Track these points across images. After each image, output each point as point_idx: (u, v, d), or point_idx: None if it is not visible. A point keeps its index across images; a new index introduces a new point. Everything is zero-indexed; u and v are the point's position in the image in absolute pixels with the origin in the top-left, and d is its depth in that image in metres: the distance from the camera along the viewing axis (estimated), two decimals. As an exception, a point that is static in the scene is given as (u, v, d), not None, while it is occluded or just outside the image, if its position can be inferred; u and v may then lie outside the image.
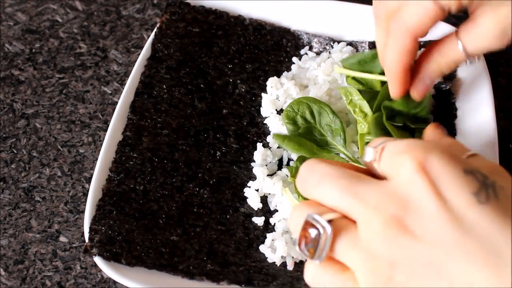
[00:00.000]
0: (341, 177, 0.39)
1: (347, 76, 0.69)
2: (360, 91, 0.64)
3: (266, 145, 0.67)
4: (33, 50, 0.81)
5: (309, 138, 0.65)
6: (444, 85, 0.69)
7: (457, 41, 0.53)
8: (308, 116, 0.65)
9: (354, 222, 0.38)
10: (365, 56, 0.68)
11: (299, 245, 0.40)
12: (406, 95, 0.59)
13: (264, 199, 0.63)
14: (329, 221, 0.38)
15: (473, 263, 0.33)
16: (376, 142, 0.41)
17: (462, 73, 0.70)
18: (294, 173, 0.60)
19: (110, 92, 0.77)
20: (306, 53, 0.74)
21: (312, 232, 0.39)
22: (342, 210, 0.39)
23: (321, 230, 0.38)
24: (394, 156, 0.38)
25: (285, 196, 0.61)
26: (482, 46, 0.52)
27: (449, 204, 0.35)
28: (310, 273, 0.40)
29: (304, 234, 0.39)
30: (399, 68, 0.56)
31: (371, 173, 0.40)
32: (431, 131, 0.47)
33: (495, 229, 0.34)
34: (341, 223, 0.38)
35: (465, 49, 0.52)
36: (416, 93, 0.59)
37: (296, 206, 0.42)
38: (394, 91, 0.59)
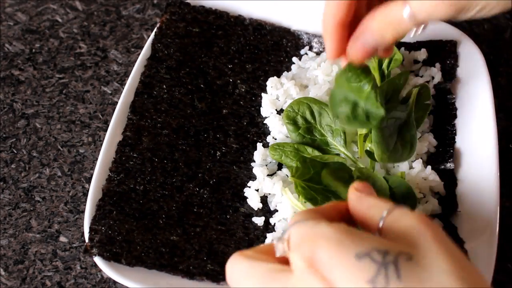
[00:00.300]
0: (254, 276, 0.39)
1: None
2: None
3: (266, 145, 0.67)
4: (33, 50, 0.81)
5: (309, 138, 0.65)
6: (444, 85, 0.69)
7: (402, 4, 0.49)
8: (308, 116, 0.65)
9: None
10: None
11: None
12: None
13: (264, 199, 0.63)
14: None
15: None
16: (284, 233, 0.40)
17: (462, 73, 0.70)
18: (294, 173, 0.60)
19: (110, 92, 0.77)
20: (306, 53, 0.74)
21: None
22: None
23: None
24: (291, 252, 0.37)
25: (285, 196, 0.61)
26: (429, 13, 0.48)
27: None
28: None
29: None
30: (332, 21, 0.53)
31: None
32: (352, 194, 0.43)
33: None
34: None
35: (413, 13, 0.48)
36: (351, 52, 0.54)
37: None
38: (328, 48, 0.56)
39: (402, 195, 0.59)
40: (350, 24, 0.54)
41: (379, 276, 0.31)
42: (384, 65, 0.67)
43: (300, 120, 0.65)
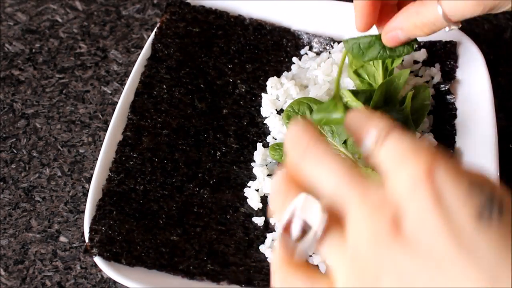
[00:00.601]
0: (343, 164, 0.34)
1: (349, 70, 0.68)
2: (355, 92, 0.64)
3: (266, 145, 0.67)
4: (33, 50, 0.81)
5: None
6: (443, 85, 0.69)
7: (436, 3, 0.53)
8: (308, 116, 0.65)
9: (338, 216, 0.34)
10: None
11: (284, 232, 0.34)
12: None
13: (264, 199, 0.63)
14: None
15: (466, 282, 0.31)
16: (378, 124, 0.35)
17: (462, 73, 0.70)
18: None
19: (110, 92, 0.77)
20: (306, 53, 0.74)
21: (298, 222, 0.34)
22: (333, 201, 0.34)
23: (313, 222, 0.33)
24: (399, 154, 0.34)
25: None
26: (459, 10, 0.52)
27: (451, 218, 0.32)
28: (281, 278, 0.35)
29: (289, 221, 0.34)
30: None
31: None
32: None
33: (495, 252, 0.31)
34: (330, 216, 0.34)
35: (444, 12, 0.53)
36: (385, 39, 0.59)
37: (281, 182, 0.36)
38: (358, 21, 0.60)
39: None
40: None
41: (485, 209, 0.32)
42: (388, 61, 0.66)
43: (300, 120, 0.65)
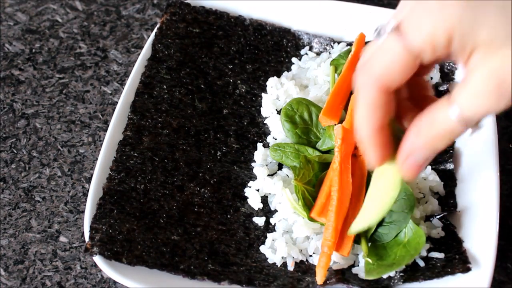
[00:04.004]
0: None
1: None
2: None
3: (266, 145, 0.67)
4: (33, 50, 0.81)
5: (305, 139, 0.65)
6: (442, 86, 0.69)
7: (448, 104, 0.43)
8: (306, 117, 0.65)
9: None
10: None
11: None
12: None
13: (264, 199, 0.63)
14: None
15: None
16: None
17: (461, 74, 0.70)
18: (297, 174, 0.60)
19: (110, 92, 0.77)
20: (306, 53, 0.74)
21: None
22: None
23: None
24: None
25: (285, 196, 0.61)
26: (478, 108, 0.41)
27: None
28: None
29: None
30: (370, 127, 0.46)
31: None
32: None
33: None
34: None
35: (462, 113, 0.42)
36: (404, 169, 0.47)
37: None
38: (369, 156, 0.48)
39: (400, 196, 0.59)
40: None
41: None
42: None
43: (298, 120, 0.65)
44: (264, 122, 0.69)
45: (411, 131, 0.46)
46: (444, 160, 0.64)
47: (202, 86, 0.71)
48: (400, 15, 0.43)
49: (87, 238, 0.58)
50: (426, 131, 0.44)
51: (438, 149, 0.45)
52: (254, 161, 0.66)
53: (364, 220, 0.54)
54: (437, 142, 0.44)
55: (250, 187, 0.64)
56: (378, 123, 0.46)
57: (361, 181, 0.60)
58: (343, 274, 0.57)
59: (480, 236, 0.58)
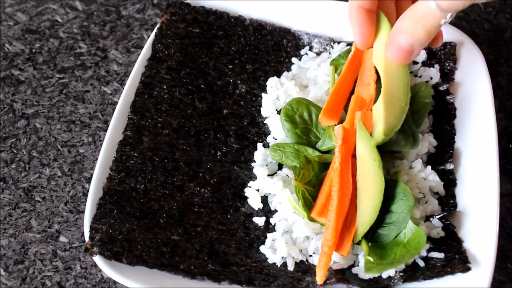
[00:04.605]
0: None
1: None
2: None
3: (266, 145, 0.67)
4: (33, 50, 0.81)
5: (305, 139, 0.65)
6: (442, 86, 0.69)
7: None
8: (306, 117, 0.65)
9: None
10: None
11: None
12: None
13: (264, 199, 0.63)
14: None
15: None
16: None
17: (462, 73, 0.70)
18: (297, 174, 0.60)
19: (110, 92, 0.77)
20: (306, 54, 0.74)
21: None
22: None
23: None
24: None
25: (285, 196, 0.61)
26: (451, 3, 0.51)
27: None
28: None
29: None
30: (355, 5, 0.57)
31: None
32: None
33: None
34: None
35: (438, 3, 0.51)
36: (390, 54, 0.56)
37: None
38: (355, 37, 0.59)
39: (399, 197, 0.59)
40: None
41: None
42: None
43: (298, 120, 0.65)
44: (264, 122, 0.69)
45: (397, 20, 0.54)
46: (444, 160, 0.64)
47: (202, 86, 0.71)
48: None
49: (87, 238, 0.58)
50: (409, 16, 0.53)
51: (420, 34, 0.53)
52: (254, 161, 0.66)
53: (364, 221, 0.55)
54: (418, 25, 0.53)
55: (250, 187, 0.64)
56: (363, 4, 0.56)
57: None
58: (343, 274, 0.57)
59: (480, 236, 0.58)
